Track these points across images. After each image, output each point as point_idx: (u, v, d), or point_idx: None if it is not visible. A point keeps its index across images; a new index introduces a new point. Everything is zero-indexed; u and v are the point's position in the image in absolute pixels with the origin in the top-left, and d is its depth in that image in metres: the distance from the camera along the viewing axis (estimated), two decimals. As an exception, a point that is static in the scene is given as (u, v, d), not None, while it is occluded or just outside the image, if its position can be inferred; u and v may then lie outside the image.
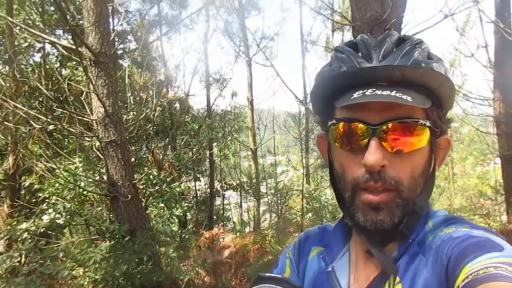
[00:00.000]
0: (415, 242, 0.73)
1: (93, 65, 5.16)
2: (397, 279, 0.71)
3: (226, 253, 7.96)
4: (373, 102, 0.68)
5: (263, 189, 12.04)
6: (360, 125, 0.71)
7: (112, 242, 5.11)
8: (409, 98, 0.66)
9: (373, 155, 0.68)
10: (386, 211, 0.71)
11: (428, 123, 0.71)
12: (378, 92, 0.68)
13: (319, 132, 0.90)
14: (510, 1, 6.08)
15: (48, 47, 8.89)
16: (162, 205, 6.31)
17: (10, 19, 5.61)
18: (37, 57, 8.91)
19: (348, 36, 11.64)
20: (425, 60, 0.72)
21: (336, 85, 0.75)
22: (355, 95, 0.69)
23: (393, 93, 0.67)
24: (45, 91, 5.42)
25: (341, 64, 0.75)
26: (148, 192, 6.18)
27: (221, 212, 11.57)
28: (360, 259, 0.82)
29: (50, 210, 5.88)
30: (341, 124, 0.74)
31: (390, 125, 0.70)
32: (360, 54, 0.75)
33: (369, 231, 0.73)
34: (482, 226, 0.72)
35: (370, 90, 0.69)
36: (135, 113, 7.21)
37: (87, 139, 5.89)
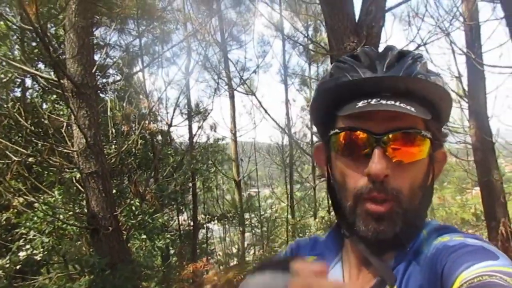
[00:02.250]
0: (411, 251, 0.73)
1: (75, 96, 5.16)
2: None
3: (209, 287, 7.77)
4: (377, 112, 0.69)
5: (247, 222, 11.93)
6: (364, 135, 0.71)
7: (92, 277, 4.95)
8: (413, 109, 0.67)
9: (377, 164, 0.69)
10: (388, 221, 0.71)
11: (429, 135, 0.72)
12: (383, 102, 0.69)
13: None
14: (480, 32, 6.36)
15: (28, 82, 8.87)
16: (144, 236, 6.17)
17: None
18: (17, 92, 8.87)
19: (324, 67, 12.05)
20: (427, 73, 0.74)
21: (339, 94, 0.76)
22: (360, 104, 0.70)
23: (397, 103, 0.68)
24: (25, 123, 5.36)
25: (344, 74, 0.76)
26: (129, 224, 6.05)
27: (205, 245, 11.38)
28: (354, 269, 0.82)
29: (27, 246, 5.71)
30: (343, 133, 0.74)
31: (393, 135, 0.70)
32: (363, 64, 0.76)
33: (368, 240, 0.73)
34: (476, 235, 0.72)
35: (374, 100, 0.70)
36: (116, 146, 7.16)
37: (68, 170, 5.80)
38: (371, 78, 0.73)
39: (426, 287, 0.66)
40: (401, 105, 0.68)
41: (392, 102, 0.68)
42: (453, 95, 8.01)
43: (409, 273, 0.71)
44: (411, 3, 5.99)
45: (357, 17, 3.49)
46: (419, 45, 4.44)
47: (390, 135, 0.70)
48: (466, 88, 6.96)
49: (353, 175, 0.74)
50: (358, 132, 0.72)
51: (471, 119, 6.84)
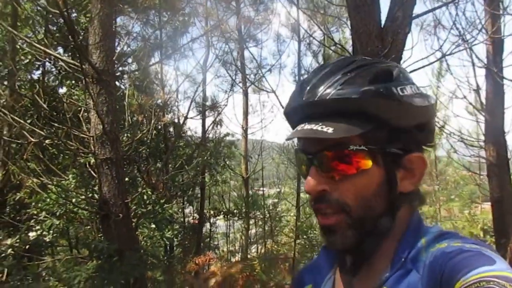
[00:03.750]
0: (408, 259, 0.73)
1: (95, 82, 5.20)
2: None
3: (212, 282, 7.80)
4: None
5: (252, 219, 11.96)
6: (302, 155, 0.79)
7: (99, 262, 5.00)
8: (330, 130, 0.71)
9: (309, 181, 0.75)
10: (338, 234, 0.75)
11: (363, 147, 0.73)
12: (306, 126, 0.74)
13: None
14: (503, 46, 6.30)
15: (47, 65, 8.96)
16: (154, 226, 6.22)
17: (16, 32, 5.67)
18: (36, 75, 8.98)
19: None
20: (359, 86, 0.73)
21: (289, 121, 0.84)
22: (293, 130, 0.79)
23: (315, 127, 0.72)
24: (43, 104, 5.42)
25: (289, 101, 0.83)
26: (139, 213, 6.10)
27: (209, 239, 11.43)
28: (344, 282, 0.84)
29: (37, 227, 5.78)
30: (296, 153, 0.83)
31: (320, 154, 0.75)
32: (298, 90, 0.79)
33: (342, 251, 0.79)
34: (475, 240, 0.72)
35: (301, 125, 0.76)
36: (129, 135, 7.21)
37: (83, 155, 5.86)
38: (293, 107, 0.80)
39: None
40: (318, 128, 0.72)
41: (312, 126, 0.73)
42: (470, 108, 8.01)
43: (407, 281, 0.71)
44: (435, 13, 5.91)
45: (383, 23, 3.50)
46: (443, 55, 4.42)
47: (319, 155, 0.75)
48: (484, 101, 6.91)
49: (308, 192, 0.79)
50: (300, 153, 0.80)
51: (487, 133, 6.80)
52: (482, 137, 7.11)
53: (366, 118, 0.73)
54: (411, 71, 3.93)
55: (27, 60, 8.03)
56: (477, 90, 7.35)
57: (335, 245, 0.75)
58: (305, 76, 0.83)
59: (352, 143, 0.73)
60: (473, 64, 7.12)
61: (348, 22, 3.86)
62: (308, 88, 0.76)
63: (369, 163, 0.74)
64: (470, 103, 7.54)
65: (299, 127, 0.75)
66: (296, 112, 0.79)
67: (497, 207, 6.53)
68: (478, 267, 0.60)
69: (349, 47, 8.24)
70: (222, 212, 11.33)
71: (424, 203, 0.84)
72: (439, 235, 0.75)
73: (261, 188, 13.73)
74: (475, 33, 5.95)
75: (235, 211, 11.35)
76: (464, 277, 0.59)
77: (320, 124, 0.72)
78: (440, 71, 10.13)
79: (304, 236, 9.67)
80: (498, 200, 6.42)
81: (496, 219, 6.60)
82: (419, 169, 0.78)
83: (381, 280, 0.74)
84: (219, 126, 11.54)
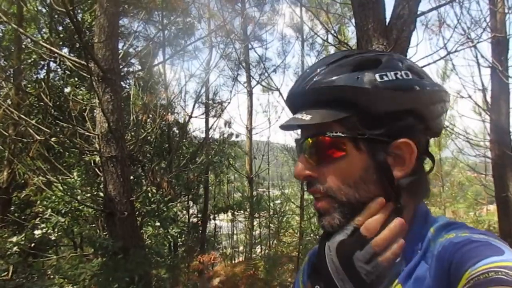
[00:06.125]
0: (421, 251, 0.73)
1: (100, 81, 5.22)
2: (399, 286, 0.72)
3: (216, 280, 7.81)
4: None
5: (255, 222, 11.96)
6: (296, 143, 0.84)
7: (104, 259, 5.01)
8: (308, 117, 0.75)
9: (296, 167, 0.80)
10: (326, 216, 0.77)
11: (341, 134, 0.74)
12: (297, 115, 0.78)
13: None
14: (508, 45, 6.27)
15: (52, 65, 9.01)
16: (158, 224, 6.24)
17: (22, 31, 5.71)
18: (41, 75, 9.03)
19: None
20: (340, 76, 0.74)
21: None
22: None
23: (298, 116, 0.77)
24: (49, 102, 5.45)
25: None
26: (144, 211, 6.12)
27: (213, 238, 11.44)
28: None
29: (43, 225, 5.81)
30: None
31: (306, 141, 0.79)
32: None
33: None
34: (483, 230, 0.72)
35: (296, 114, 0.80)
36: (133, 134, 7.23)
37: (88, 153, 5.89)
38: (286, 98, 0.84)
39: (434, 285, 0.67)
40: (299, 116, 0.77)
41: (297, 115, 0.78)
42: (476, 108, 7.98)
43: (417, 272, 0.71)
44: (440, 12, 5.91)
45: (388, 20, 3.49)
46: (448, 53, 4.41)
47: (305, 142, 0.79)
48: (489, 101, 6.87)
49: None
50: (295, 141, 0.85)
51: (492, 132, 6.76)
52: (488, 137, 7.07)
53: (345, 105, 0.75)
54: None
55: (32, 60, 8.09)
56: (482, 90, 7.30)
57: (324, 227, 0.77)
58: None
59: (329, 130, 0.75)
60: (478, 64, 7.08)
61: (352, 21, 3.86)
62: (299, 80, 0.81)
63: (346, 149, 0.75)
64: (476, 103, 7.50)
65: (291, 116, 0.81)
66: (290, 103, 0.85)
67: (502, 207, 6.50)
68: (487, 257, 0.60)
69: (352, 45, 8.24)
70: (224, 208, 11.33)
71: (428, 195, 0.82)
72: (447, 225, 0.76)
73: (265, 189, 13.72)
74: (479, 32, 5.94)
75: (235, 207, 11.38)
76: (473, 268, 0.59)
77: (303, 112, 0.77)
78: (445, 70, 10.15)
79: (308, 238, 9.67)
80: (504, 201, 6.39)
81: (501, 219, 6.57)
82: (408, 154, 0.76)
83: (395, 273, 0.73)
84: (227, 127, 11.54)
